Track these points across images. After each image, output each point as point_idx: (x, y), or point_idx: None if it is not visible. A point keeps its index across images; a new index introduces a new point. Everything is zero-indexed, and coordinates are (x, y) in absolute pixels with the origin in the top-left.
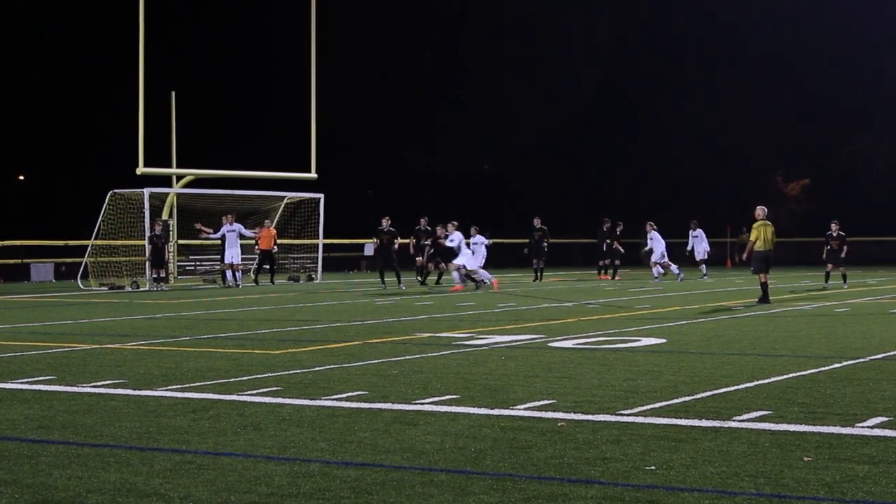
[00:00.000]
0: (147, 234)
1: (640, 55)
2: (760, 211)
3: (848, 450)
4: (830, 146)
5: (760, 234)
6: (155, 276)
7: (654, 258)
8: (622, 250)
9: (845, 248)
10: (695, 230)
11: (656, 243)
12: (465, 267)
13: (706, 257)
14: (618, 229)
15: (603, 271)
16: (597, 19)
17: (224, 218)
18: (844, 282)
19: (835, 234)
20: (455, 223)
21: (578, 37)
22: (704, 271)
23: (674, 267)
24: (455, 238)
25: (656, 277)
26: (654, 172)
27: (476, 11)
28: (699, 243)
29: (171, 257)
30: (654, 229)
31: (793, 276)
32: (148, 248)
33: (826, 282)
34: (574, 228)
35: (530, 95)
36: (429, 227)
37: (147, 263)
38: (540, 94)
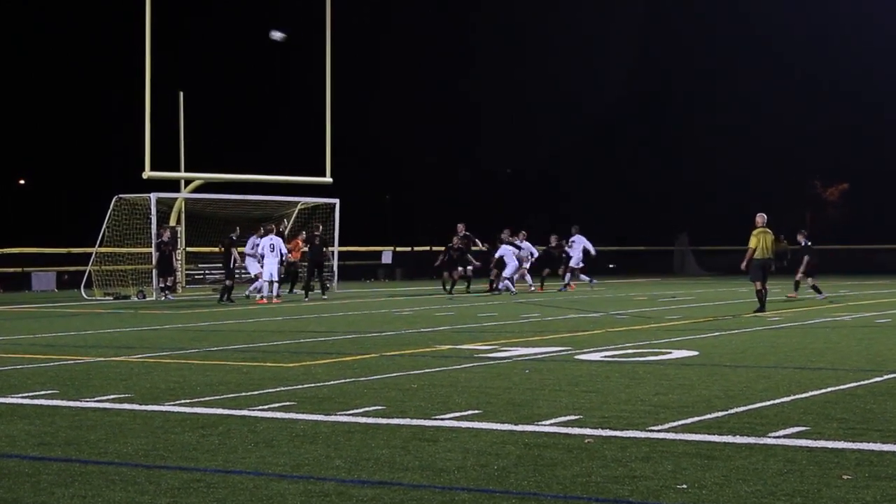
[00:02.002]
0: (154, 240)
1: (671, 58)
2: (760, 218)
3: (889, 468)
4: (870, 149)
5: (760, 242)
6: (162, 284)
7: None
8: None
9: (806, 258)
10: (573, 236)
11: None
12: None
13: (580, 266)
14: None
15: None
16: (627, 20)
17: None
18: (795, 289)
19: (802, 244)
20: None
21: (607, 36)
22: (587, 279)
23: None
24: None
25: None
26: (685, 177)
27: (500, 12)
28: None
29: (178, 265)
30: (505, 242)
31: (831, 285)
32: (155, 255)
33: (796, 290)
34: (602, 235)
35: (556, 97)
36: (468, 233)
37: (154, 272)
38: (566, 95)
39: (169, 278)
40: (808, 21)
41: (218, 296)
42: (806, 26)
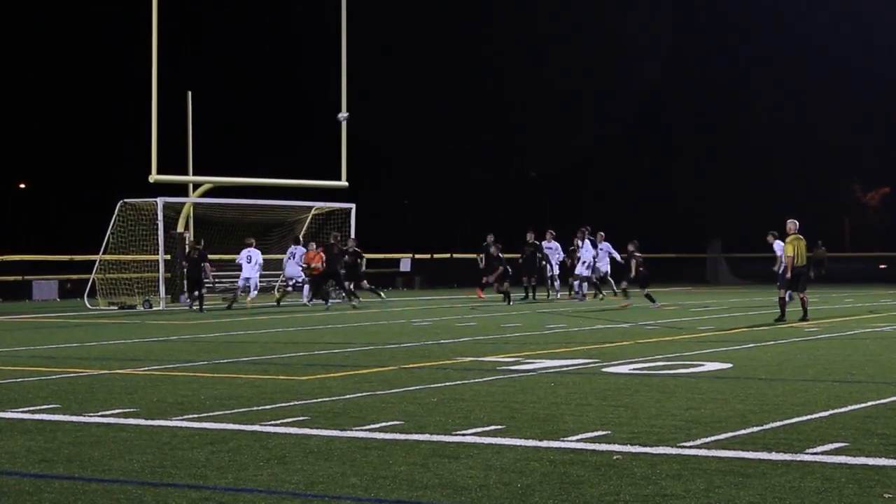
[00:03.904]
0: (179, 249)
1: (704, 58)
2: (792, 224)
3: None
4: None
5: (795, 249)
6: (196, 293)
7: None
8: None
9: (633, 263)
10: (549, 242)
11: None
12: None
13: (556, 272)
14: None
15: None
16: (659, 18)
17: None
18: (626, 296)
19: (630, 251)
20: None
21: (637, 34)
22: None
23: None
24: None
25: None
26: (719, 181)
27: (522, 10)
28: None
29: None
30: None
31: (872, 294)
32: (183, 265)
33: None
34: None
35: (583, 96)
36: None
37: (184, 283)
38: (595, 94)
39: (202, 288)
40: (848, 17)
41: (226, 305)
42: (846, 22)
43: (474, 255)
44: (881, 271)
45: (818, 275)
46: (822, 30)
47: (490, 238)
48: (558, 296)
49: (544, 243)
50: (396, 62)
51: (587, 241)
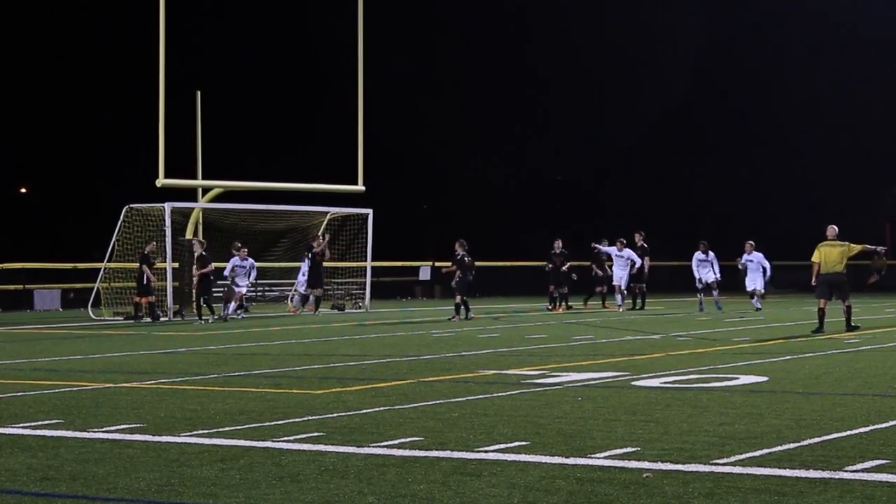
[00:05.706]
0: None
1: (738, 53)
2: (830, 230)
3: None
4: None
5: (822, 256)
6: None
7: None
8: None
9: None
10: (621, 250)
11: None
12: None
13: (625, 283)
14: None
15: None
16: (688, 16)
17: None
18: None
19: (558, 252)
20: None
21: (667, 32)
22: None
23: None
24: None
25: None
26: (754, 186)
27: (544, 8)
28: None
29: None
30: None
31: None
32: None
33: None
34: (663, 249)
35: (611, 96)
36: (566, 251)
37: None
38: (623, 94)
39: (320, 288)
40: (875, 11)
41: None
42: (878, 19)
43: (498, 263)
44: None
45: (875, 283)
46: (864, 29)
47: (558, 245)
48: (621, 309)
49: (613, 250)
50: (414, 63)
51: (711, 253)
